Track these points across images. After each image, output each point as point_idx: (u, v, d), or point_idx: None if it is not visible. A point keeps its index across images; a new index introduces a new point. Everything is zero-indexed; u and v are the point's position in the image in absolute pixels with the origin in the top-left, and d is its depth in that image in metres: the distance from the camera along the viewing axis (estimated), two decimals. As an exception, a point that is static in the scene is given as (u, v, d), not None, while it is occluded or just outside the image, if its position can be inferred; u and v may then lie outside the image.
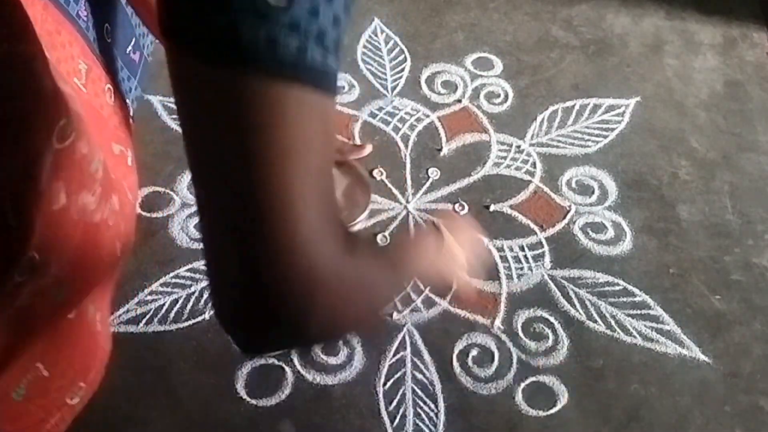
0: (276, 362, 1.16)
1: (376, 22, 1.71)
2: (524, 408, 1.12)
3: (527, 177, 1.42)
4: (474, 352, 1.18)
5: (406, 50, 1.64)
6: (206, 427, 1.09)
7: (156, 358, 1.16)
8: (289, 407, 1.11)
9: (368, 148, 1.16)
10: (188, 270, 1.26)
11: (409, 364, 1.16)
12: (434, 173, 1.42)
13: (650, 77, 1.62)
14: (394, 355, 1.17)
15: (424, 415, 1.11)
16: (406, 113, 1.51)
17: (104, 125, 1.15)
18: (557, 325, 1.21)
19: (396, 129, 1.49)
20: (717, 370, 1.17)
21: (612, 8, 1.78)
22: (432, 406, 1.12)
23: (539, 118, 1.52)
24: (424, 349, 1.18)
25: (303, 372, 1.15)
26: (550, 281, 1.27)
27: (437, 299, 1.24)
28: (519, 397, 1.13)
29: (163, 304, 1.22)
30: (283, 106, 0.42)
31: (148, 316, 1.20)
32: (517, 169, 1.43)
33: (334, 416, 1.10)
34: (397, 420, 1.10)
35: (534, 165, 1.44)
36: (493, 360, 1.17)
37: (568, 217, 1.36)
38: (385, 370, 1.16)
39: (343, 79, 1.57)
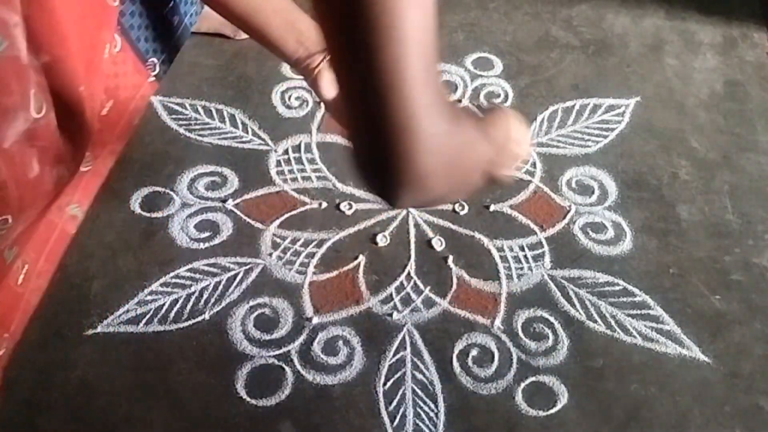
0: (276, 362, 1.16)
1: (376, 22, 1.70)
2: (524, 408, 1.12)
3: (527, 177, 1.42)
4: (474, 352, 1.18)
5: (406, 50, 1.64)
6: (206, 427, 1.09)
7: (156, 358, 1.16)
8: (289, 407, 1.11)
9: None
10: (188, 270, 1.26)
11: (409, 364, 1.16)
12: (434, 173, 1.42)
13: (650, 77, 1.62)
14: (394, 355, 1.17)
15: (424, 415, 1.11)
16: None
17: (95, 66, 1.18)
18: (557, 325, 1.21)
19: (396, 129, 1.48)
20: (717, 370, 1.17)
21: (612, 8, 1.78)
22: (432, 406, 1.12)
23: (539, 118, 1.52)
24: (424, 349, 1.18)
25: (303, 372, 1.15)
26: (550, 281, 1.27)
27: (437, 299, 1.24)
28: (519, 397, 1.13)
29: (163, 304, 1.22)
30: None
31: (148, 316, 1.20)
32: (518, 169, 1.43)
33: (334, 416, 1.10)
34: (397, 420, 1.10)
35: (534, 165, 1.44)
36: (493, 360, 1.17)
37: (568, 217, 1.36)
38: (385, 370, 1.16)
39: (343, 79, 1.57)
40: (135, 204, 1.35)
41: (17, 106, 0.90)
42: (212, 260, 1.28)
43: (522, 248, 1.32)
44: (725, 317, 1.23)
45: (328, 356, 1.17)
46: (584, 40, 1.69)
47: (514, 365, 1.17)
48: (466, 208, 1.37)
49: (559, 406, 1.13)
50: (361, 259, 1.29)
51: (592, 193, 1.40)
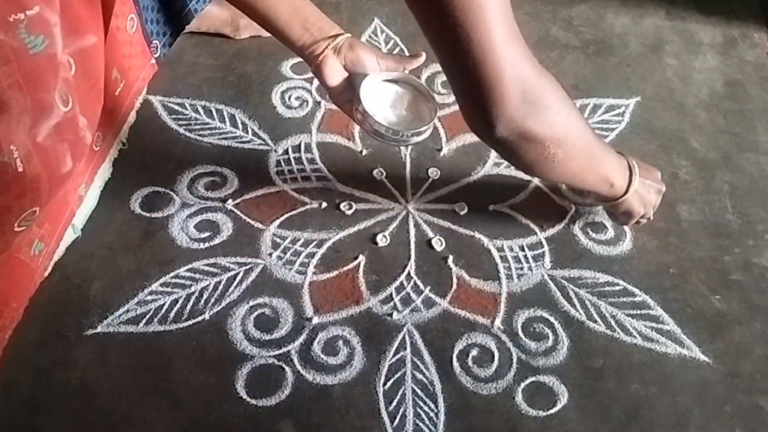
0: (276, 362, 1.16)
1: (376, 22, 1.71)
2: (524, 408, 1.12)
3: (527, 177, 1.42)
4: (474, 352, 1.18)
5: (406, 50, 1.64)
6: (206, 427, 1.09)
7: (156, 358, 1.16)
8: (289, 407, 1.11)
9: (422, 57, 1.13)
10: (188, 270, 1.26)
11: (409, 364, 1.16)
12: (434, 173, 1.42)
13: (650, 77, 1.62)
14: (394, 355, 1.17)
15: (424, 415, 1.11)
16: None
17: (116, 47, 1.27)
18: (557, 325, 1.21)
19: (396, 129, 1.48)
20: (717, 370, 1.17)
21: (612, 8, 1.78)
22: (432, 406, 1.12)
23: (539, 118, 1.51)
24: (424, 349, 1.18)
25: (303, 372, 1.15)
26: (550, 281, 1.27)
27: (437, 299, 1.24)
28: (519, 397, 1.13)
29: (163, 304, 1.22)
30: None
31: (148, 316, 1.20)
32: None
33: (334, 416, 1.10)
34: (397, 420, 1.10)
35: (534, 165, 1.43)
36: (493, 360, 1.17)
37: (568, 217, 1.36)
38: (385, 370, 1.16)
39: (343, 79, 1.57)
40: (135, 204, 1.35)
41: (52, 102, 0.92)
42: (212, 260, 1.28)
43: (522, 248, 1.32)
44: (725, 317, 1.23)
45: (328, 356, 1.17)
46: (584, 40, 1.69)
47: (514, 365, 1.17)
48: (466, 208, 1.37)
49: (559, 406, 1.13)
50: (361, 259, 1.29)
51: (592, 193, 1.40)
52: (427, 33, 0.85)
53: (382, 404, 1.12)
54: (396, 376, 1.16)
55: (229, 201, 1.36)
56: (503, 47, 0.83)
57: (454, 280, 1.27)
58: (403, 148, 1.46)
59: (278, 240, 1.31)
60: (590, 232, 1.34)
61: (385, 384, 1.15)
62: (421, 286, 1.26)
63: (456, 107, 1.53)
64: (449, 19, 0.79)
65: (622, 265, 1.29)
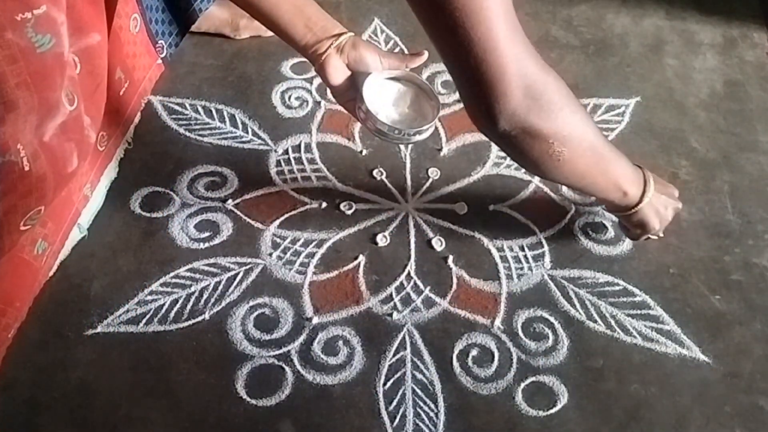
0: (276, 362, 1.16)
1: (376, 22, 1.71)
2: (524, 408, 1.12)
3: (527, 177, 1.42)
4: (474, 352, 1.18)
5: (406, 50, 1.64)
6: (206, 427, 1.09)
7: (156, 358, 1.16)
8: (289, 407, 1.11)
9: (424, 55, 1.13)
10: (188, 270, 1.26)
11: (409, 364, 1.16)
12: (434, 173, 1.42)
13: (650, 77, 1.62)
14: (394, 355, 1.17)
15: (424, 415, 1.11)
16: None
17: (119, 47, 1.26)
18: (557, 325, 1.21)
19: (396, 129, 1.48)
20: (717, 370, 1.17)
21: (612, 8, 1.78)
22: (432, 406, 1.12)
23: (539, 118, 1.51)
24: (424, 349, 1.18)
25: (303, 372, 1.15)
26: (550, 281, 1.27)
27: (437, 299, 1.24)
28: (519, 397, 1.13)
29: (163, 304, 1.22)
30: None
31: (148, 316, 1.20)
32: (517, 169, 1.43)
33: (334, 416, 1.10)
34: (397, 420, 1.10)
35: (534, 165, 1.43)
36: (493, 360, 1.17)
37: (568, 217, 1.36)
38: (385, 370, 1.16)
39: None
40: (135, 204, 1.35)
41: (59, 101, 0.92)
42: (212, 260, 1.28)
43: (522, 248, 1.32)
44: (725, 317, 1.23)
45: (328, 356, 1.17)
46: (584, 40, 1.69)
47: (514, 365, 1.17)
48: (466, 208, 1.37)
49: (559, 406, 1.13)
50: (361, 259, 1.29)
51: (592, 193, 1.40)
52: (429, 32, 0.86)
53: (382, 404, 1.12)
54: (396, 376, 1.16)
55: (229, 201, 1.36)
56: (505, 44, 0.83)
57: (454, 280, 1.27)
58: (403, 148, 1.46)
59: (278, 240, 1.31)
60: (590, 232, 1.34)
61: (385, 384, 1.15)
62: (421, 286, 1.26)
63: (456, 107, 1.53)
64: (450, 19, 0.80)
65: (622, 265, 1.29)
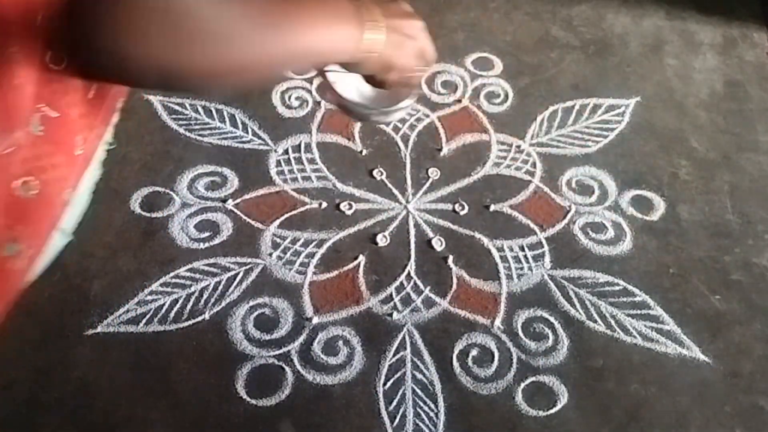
0: (276, 362, 1.16)
1: (376, 22, 1.70)
2: (524, 408, 1.12)
3: (527, 177, 1.42)
4: (474, 352, 1.18)
5: (406, 50, 1.64)
6: (206, 427, 1.09)
7: (156, 358, 1.16)
8: (289, 407, 1.11)
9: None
10: (188, 270, 1.26)
11: (409, 364, 1.16)
12: (434, 173, 1.42)
13: (650, 77, 1.62)
14: (394, 355, 1.17)
15: (424, 415, 1.11)
16: (406, 113, 1.51)
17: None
18: (557, 325, 1.21)
19: (396, 129, 1.49)
20: (717, 370, 1.17)
21: (612, 8, 1.78)
22: (432, 406, 1.12)
23: (539, 118, 1.52)
24: (424, 349, 1.18)
25: (303, 372, 1.15)
26: (550, 281, 1.27)
27: (437, 299, 1.24)
28: (519, 397, 1.13)
29: (163, 304, 1.22)
30: None
31: (148, 316, 1.20)
32: (517, 169, 1.43)
33: (334, 416, 1.10)
34: (397, 420, 1.10)
35: (534, 165, 1.44)
36: (493, 360, 1.17)
37: (568, 217, 1.36)
38: (385, 370, 1.16)
39: (343, 79, 1.57)
40: (135, 204, 1.35)
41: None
42: (212, 260, 1.28)
43: (522, 248, 1.32)
44: (725, 317, 1.23)
45: (328, 356, 1.17)
46: (584, 40, 1.69)
47: (514, 365, 1.17)
48: (466, 208, 1.37)
49: (559, 406, 1.13)
50: (361, 259, 1.29)
51: (592, 193, 1.40)
52: None
53: (382, 404, 1.12)
54: (396, 376, 1.15)
55: (229, 201, 1.36)
56: None
57: (454, 280, 1.27)
58: (403, 148, 1.46)
59: (278, 240, 1.31)
60: (590, 232, 1.34)
61: (385, 384, 1.15)
62: (421, 286, 1.26)
63: (456, 107, 1.53)
64: None
65: (622, 265, 1.29)
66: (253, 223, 1.33)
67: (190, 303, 1.22)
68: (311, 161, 1.43)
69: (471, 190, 1.40)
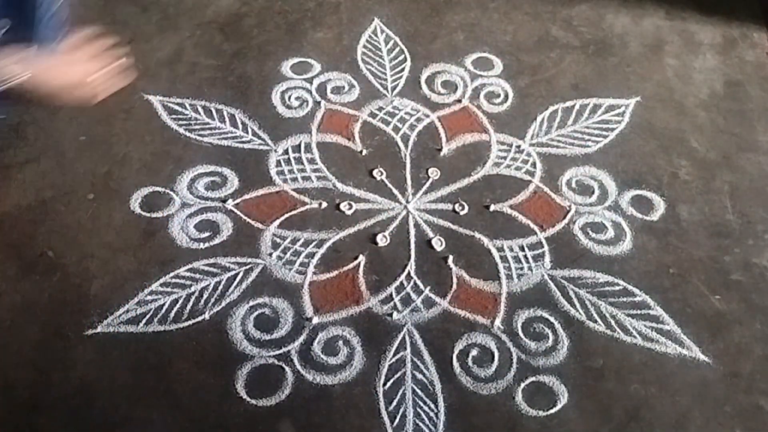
0: (276, 362, 1.16)
1: (376, 22, 1.71)
2: (524, 408, 1.12)
3: (527, 177, 1.42)
4: (474, 352, 1.18)
5: (406, 50, 1.64)
6: (206, 427, 1.09)
7: (156, 358, 1.16)
8: (289, 407, 1.11)
9: None
10: (188, 270, 1.26)
11: (409, 364, 1.16)
12: (434, 173, 1.42)
13: (650, 77, 1.62)
14: (394, 355, 1.17)
15: (424, 415, 1.11)
16: (406, 113, 1.51)
17: None
18: (557, 325, 1.21)
19: (396, 129, 1.49)
20: (717, 370, 1.17)
21: (612, 8, 1.78)
22: (432, 406, 1.12)
23: (539, 118, 1.52)
24: (424, 349, 1.18)
25: (303, 372, 1.15)
26: (550, 281, 1.27)
27: (437, 299, 1.24)
28: (519, 397, 1.13)
29: (163, 304, 1.22)
30: None
31: (148, 316, 1.20)
32: (517, 169, 1.43)
33: (334, 416, 1.10)
34: (397, 420, 1.10)
35: (534, 165, 1.44)
36: (493, 360, 1.17)
37: (568, 217, 1.36)
38: (385, 370, 1.16)
39: (343, 79, 1.58)
40: (135, 204, 1.35)
41: None
42: (212, 260, 1.28)
43: (522, 248, 1.32)
44: (725, 317, 1.23)
45: (328, 356, 1.17)
46: (584, 40, 1.69)
47: (514, 365, 1.17)
48: (466, 208, 1.37)
49: (559, 406, 1.13)
50: (361, 259, 1.29)
51: (592, 193, 1.40)
52: None
53: (382, 404, 1.12)
54: (396, 376, 1.16)
55: (229, 201, 1.36)
56: None
57: (454, 280, 1.27)
58: (403, 148, 1.46)
59: (278, 240, 1.31)
60: (590, 232, 1.34)
61: (385, 384, 1.15)
62: (421, 286, 1.26)
63: (456, 107, 1.53)
64: None
65: (622, 265, 1.29)
66: (253, 223, 1.33)
67: (190, 303, 1.22)
68: (311, 161, 1.43)
69: (471, 190, 1.40)
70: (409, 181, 1.41)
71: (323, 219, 1.34)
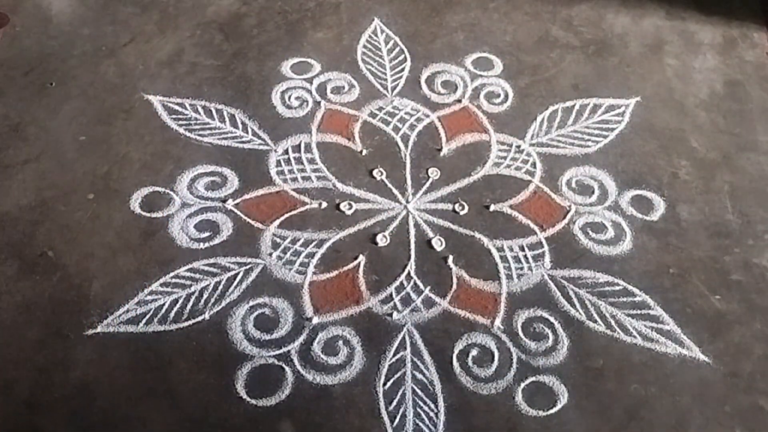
0: (276, 362, 1.16)
1: (376, 22, 1.71)
2: (524, 408, 1.12)
3: (527, 177, 1.42)
4: (474, 352, 1.18)
5: (406, 50, 1.64)
6: (206, 427, 1.09)
7: (156, 358, 1.16)
8: (289, 407, 1.11)
9: None
10: (188, 270, 1.26)
11: (409, 364, 1.16)
12: (434, 173, 1.42)
13: (650, 77, 1.62)
14: (394, 355, 1.17)
15: (424, 415, 1.11)
16: (406, 113, 1.51)
17: None
18: (557, 325, 1.21)
19: (396, 129, 1.49)
20: (717, 370, 1.17)
21: (612, 8, 1.78)
22: (432, 406, 1.12)
23: (539, 118, 1.52)
24: (424, 349, 1.18)
25: (303, 372, 1.15)
26: (550, 281, 1.27)
27: (437, 299, 1.24)
28: (519, 397, 1.13)
29: (163, 304, 1.22)
30: None
31: (148, 316, 1.20)
32: (517, 169, 1.43)
33: (334, 416, 1.10)
34: (397, 420, 1.10)
35: (534, 165, 1.44)
36: (493, 360, 1.17)
37: (568, 217, 1.36)
38: (385, 370, 1.16)
39: (343, 79, 1.58)
40: (135, 204, 1.35)
41: None
42: (212, 260, 1.28)
43: (522, 248, 1.32)
44: (725, 317, 1.23)
45: (328, 356, 1.17)
46: (584, 40, 1.69)
47: (514, 365, 1.17)
48: (466, 208, 1.37)
49: (559, 406, 1.13)
50: (361, 259, 1.29)
51: (592, 193, 1.40)
52: None
53: (382, 404, 1.12)
54: (396, 376, 1.15)
55: (229, 201, 1.36)
56: None
57: (454, 280, 1.27)
58: (403, 148, 1.46)
59: (278, 240, 1.31)
60: (590, 232, 1.34)
61: (385, 384, 1.15)
62: (421, 286, 1.26)
63: (456, 107, 1.53)
64: None
65: (622, 265, 1.29)
66: (253, 223, 1.33)
67: (190, 303, 1.22)
68: (311, 161, 1.43)
69: (471, 190, 1.40)
70: (409, 181, 1.41)
71: (323, 219, 1.34)
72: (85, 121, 1.47)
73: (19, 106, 1.49)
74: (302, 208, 1.36)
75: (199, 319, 1.20)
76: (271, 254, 1.29)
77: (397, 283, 1.26)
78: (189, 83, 1.56)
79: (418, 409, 1.12)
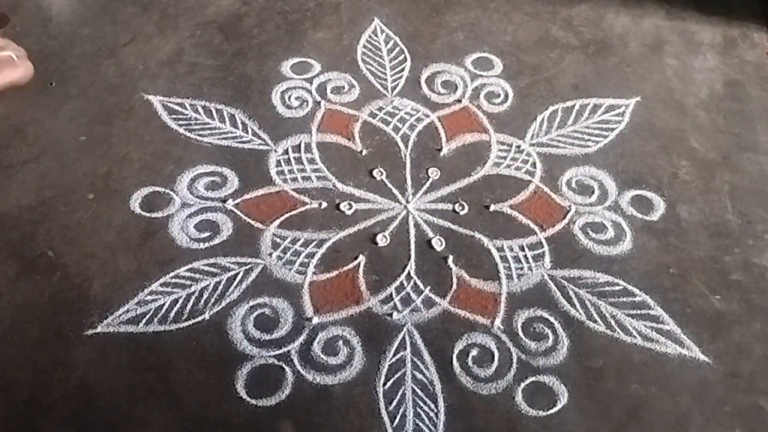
0: (276, 362, 1.16)
1: (376, 22, 1.71)
2: (524, 408, 1.12)
3: (527, 177, 1.42)
4: (474, 352, 1.18)
5: (406, 50, 1.64)
6: (206, 427, 1.09)
7: (156, 358, 1.16)
8: (289, 407, 1.11)
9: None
10: (188, 270, 1.26)
11: (409, 364, 1.16)
12: (434, 173, 1.42)
13: (650, 77, 1.62)
14: (394, 355, 1.17)
15: (424, 415, 1.11)
16: (406, 113, 1.51)
17: None
18: (557, 325, 1.21)
19: (396, 129, 1.49)
20: (717, 370, 1.17)
21: (612, 8, 1.78)
22: (432, 406, 1.12)
23: (539, 118, 1.52)
24: (424, 349, 1.18)
25: (303, 372, 1.15)
26: (550, 281, 1.27)
27: (437, 299, 1.24)
28: (519, 397, 1.13)
29: (163, 304, 1.22)
30: None
31: (148, 316, 1.20)
32: (517, 169, 1.43)
33: (334, 416, 1.10)
34: (397, 420, 1.10)
35: (534, 165, 1.44)
36: (493, 360, 1.17)
37: (568, 217, 1.36)
38: (385, 370, 1.16)
39: (343, 79, 1.58)
40: (135, 204, 1.35)
41: None
42: (212, 260, 1.28)
43: (522, 248, 1.32)
44: (725, 317, 1.23)
45: (328, 356, 1.17)
46: (584, 40, 1.70)
47: (514, 365, 1.17)
48: (466, 208, 1.37)
49: (559, 406, 1.13)
50: (361, 259, 1.29)
51: (592, 193, 1.40)
52: None
53: (382, 404, 1.12)
54: (396, 376, 1.16)
55: (229, 201, 1.36)
56: None
57: (454, 280, 1.27)
58: (403, 148, 1.46)
59: (278, 240, 1.31)
60: (590, 232, 1.34)
61: (385, 384, 1.15)
62: (421, 286, 1.26)
63: (456, 107, 1.53)
64: None
65: (622, 265, 1.29)
66: (253, 223, 1.33)
67: (190, 303, 1.22)
68: (311, 161, 1.43)
69: (471, 190, 1.40)
70: (409, 181, 1.41)
71: (323, 219, 1.34)
72: (85, 121, 1.47)
73: (19, 106, 1.49)
74: (302, 208, 1.36)
75: (199, 319, 1.20)
76: (271, 254, 1.29)
77: (397, 283, 1.26)
78: (189, 83, 1.56)
79: (418, 409, 1.12)
